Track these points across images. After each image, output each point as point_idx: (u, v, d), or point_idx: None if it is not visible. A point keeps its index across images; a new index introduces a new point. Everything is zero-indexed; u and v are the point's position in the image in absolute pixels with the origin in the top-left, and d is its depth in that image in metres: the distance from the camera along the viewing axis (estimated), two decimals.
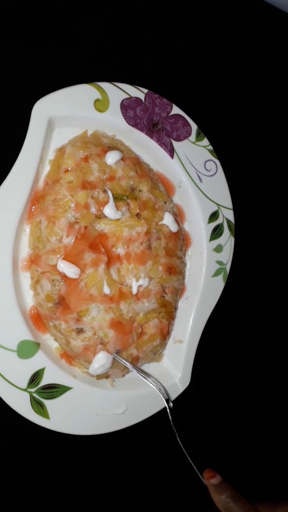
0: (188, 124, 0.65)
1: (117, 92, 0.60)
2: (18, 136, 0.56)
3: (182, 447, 0.55)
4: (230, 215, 0.67)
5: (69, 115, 0.58)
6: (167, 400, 0.59)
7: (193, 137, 0.65)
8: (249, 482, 0.71)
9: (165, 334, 0.62)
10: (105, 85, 0.60)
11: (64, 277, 0.55)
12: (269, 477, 0.73)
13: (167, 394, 0.61)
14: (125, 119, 0.61)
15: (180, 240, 0.64)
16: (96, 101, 0.59)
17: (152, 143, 0.63)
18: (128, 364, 0.58)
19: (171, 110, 0.64)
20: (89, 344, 0.56)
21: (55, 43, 0.65)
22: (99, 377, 0.58)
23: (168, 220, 0.62)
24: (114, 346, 0.57)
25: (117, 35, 0.68)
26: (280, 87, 0.80)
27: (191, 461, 0.54)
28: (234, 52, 0.76)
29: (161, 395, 0.59)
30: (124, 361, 0.58)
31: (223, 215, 0.66)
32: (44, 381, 0.55)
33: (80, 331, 0.56)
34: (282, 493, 0.70)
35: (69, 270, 0.54)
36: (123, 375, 0.61)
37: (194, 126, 0.65)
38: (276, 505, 0.47)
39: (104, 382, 0.60)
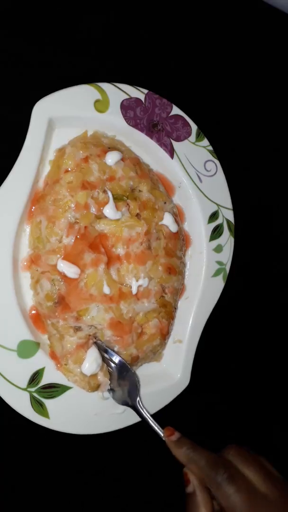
0: (188, 125, 0.65)
1: (117, 93, 0.60)
2: (18, 136, 0.56)
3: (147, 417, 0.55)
4: (230, 215, 0.67)
5: (69, 116, 0.58)
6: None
7: (193, 137, 0.65)
8: None
9: (165, 334, 0.62)
10: (105, 85, 0.60)
11: (64, 277, 0.55)
12: None
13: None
14: (125, 119, 0.61)
15: (180, 240, 0.64)
16: (96, 101, 0.59)
17: (152, 144, 0.63)
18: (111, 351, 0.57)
19: (171, 111, 0.64)
20: (84, 341, 0.56)
21: (55, 43, 0.65)
22: (91, 386, 0.57)
23: (168, 220, 0.62)
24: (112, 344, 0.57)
25: (117, 35, 0.68)
26: (280, 87, 0.80)
27: (154, 426, 0.54)
28: (234, 52, 0.76)
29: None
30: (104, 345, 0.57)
31: (223, 215, 0.66)
32: (44, 381, 0.56)
33: (78, 329, 0.57)
34: None
35: (69, 270, 0.55)
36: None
37: (194, 127, 0.65)
38: (222, 451, 0.48)
39: None
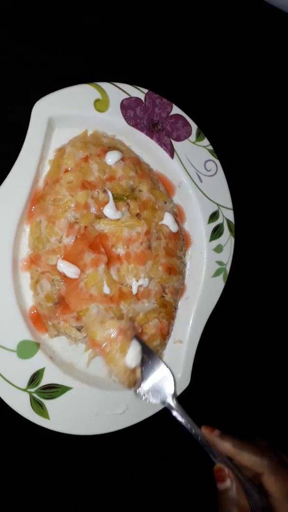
0: (188, 124, 0.65)
1: (117, 92, 0.60)
2: (18, 136, 0.56)
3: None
4: (230, 215, 0.67)
5: (69, 115, 0.58)
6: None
7: (193, 137, 0.65)
8: None
9: (165, 334, 0.62)
10: (105, 85, 0.60)
11: (64, 277, 0.55)
12: None
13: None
14: (125, 119, 0.61)
15: (180, 240, 0.64)
16: (96, 101, 0.59)
17: (152, 143, 0.63)
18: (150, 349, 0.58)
19: (171, 110, 0.64)
20: (126, 328, 0.55)
21: (55, 43, 0.65)
22: (130, 381, 0.56)
23: (168, 220, 0.62)
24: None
25: (117, 35, 0.68)
26: (280, 87, 0.80)
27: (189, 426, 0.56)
28: (234, 52, 0.76)
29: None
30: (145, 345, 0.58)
31: (223, 215, 0.66)
32: (44, 381, 0.55)
33: (80, 329, 0.56)
34: None
35: (69, 270, 0.54)
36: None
37: (194, 126, 0.65)
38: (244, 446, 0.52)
39: (104, 382, 0.60)
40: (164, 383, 0.59)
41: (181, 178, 0.64)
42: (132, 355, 0.55)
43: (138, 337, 0.57)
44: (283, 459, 0.50)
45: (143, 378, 0.58)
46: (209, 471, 0.70)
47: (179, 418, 0.56)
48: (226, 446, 0.52)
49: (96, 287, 0.55)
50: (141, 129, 0.62)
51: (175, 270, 0.62)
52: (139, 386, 0.58)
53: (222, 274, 0.66)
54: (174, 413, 0.57)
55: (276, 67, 0.79)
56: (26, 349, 0.55)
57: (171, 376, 0.59)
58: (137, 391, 0.58)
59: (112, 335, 0.55)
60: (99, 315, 0.56)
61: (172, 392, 0.59)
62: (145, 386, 0.59)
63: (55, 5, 0.65)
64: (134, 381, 0.57)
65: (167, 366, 0.60)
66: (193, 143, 0.65)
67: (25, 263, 0.58)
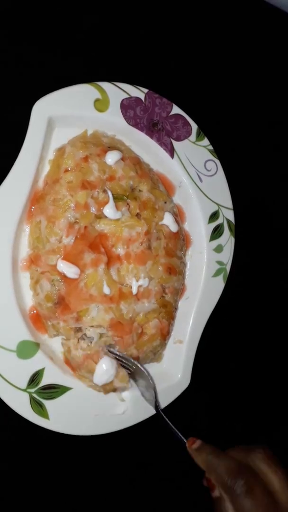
0: (188, 124, 0.65)
1: (117, 92, 0.60)
2: (18, 136, 0.56)
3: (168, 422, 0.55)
4: (230, 215, 0.67)
5: (69, 115, 0.58)
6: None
7: (193, 137, 0.65)
8: None
9: (165, 334, 0.62)
10: (105, 85, 0.60)
11: (63, 277, 0.55)
12: None
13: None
14: (125, 119, 0.61)
15: (180, 240, 0.64)
16: (96, 101, 0.59)
17: (152, 143, 0.63)
18: (129, 359, 0.57)
19: (171, 110, 0.64)
20: (90, 353, 0.56)
21: (55, 43, 0.65)
22: (106, 390, 0.57)
23: (168, 220, 0.61)
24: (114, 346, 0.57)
25: (117, 35, 0.68)
26: (280, 87, 0.80)
27: (177, 432, 0.54)
28: (234, 52, 0.76)
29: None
30: (123, 356, 0.57)
31: (223, 215, 0.66)
32: (44, 381, 0.55)
33: (78, 330, 0.56)
34: None
35: (69, 270, 0.54)
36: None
37: (194, 126, 0.65)
38: (249, 450, 0.47)
39: None
40: (147, 393, 0.59)
41: (181, 178, 0.64)
42: (98, 375, 0.55)
43: (111, 351, 0.57)
44: (262, 476, 0.44)
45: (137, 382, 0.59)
46: None
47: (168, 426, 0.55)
48: (199, 459, 0.48)
49: (96, 287, 0.55)
50: (141, 129, 0.62)
51: (175, 270, 0.62)
52: (124, 390, 0.58)
53: (222, 274, 0.66)
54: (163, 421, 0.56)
55: (276, 67, 0.79)
56: (26, 349, 0.55)
57: (151, 386, 0.58)
58: (122, 396, 0.59)
59: (79, 362, 0.56)
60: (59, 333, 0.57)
61: (154, 402, 0.58)
62: (132, 392, 0.59)
63: (55, 5, 0.65)
64: (112, 389, 0.57)
65: (149, 376, 0.58)
66: (193, 143, 0.65)
67: (25, 263, 0.58)
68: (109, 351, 0.57)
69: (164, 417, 0.56)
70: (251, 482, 0.43)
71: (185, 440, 0.52)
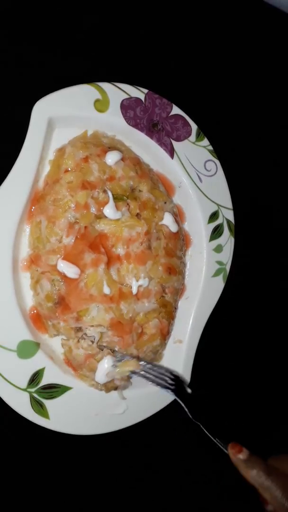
0: (188, 124, 0.65)
1: (117, 92, 0.60)
2: (18, 136, 0.56)
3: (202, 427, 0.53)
4: (230, 215, 0.67)
5: (69, 115, 0.58)
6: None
7: (193, 137, 0.65)
8: None
9: (165, 334, 0.62)
10: (105, 85, 0.60)
11: (64, 277, 0.55)
12: None
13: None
14: (125, 119, 0.61)
15: (180, 240, 0.64)
16: (96, 101, 0.59)
17: (152, 143, 0.63)
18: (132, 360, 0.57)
19: (171, 110, 0.64)
20: (92, 353, 0.56)
21: (55, 43, 0.65)
22: (108, 388, 0.57)
23: (168, 220, 0.62)
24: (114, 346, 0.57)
25: (117, 35, 0.68)
26: (280, 87, 0.80)
27: (212, 437, 0.51)
28: (234, 52, 0.76)
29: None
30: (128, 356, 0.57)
31: (223, 215, 0.66)
32: (44, 381, 0.55)
33: (79, 329, 0.56)
34: None
35: (69, 270, 0.54)
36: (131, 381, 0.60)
37: (194, 126, 0.65)
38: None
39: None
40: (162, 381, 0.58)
41: (181, 178, 0.64)
42: (99, 374, 0.55)
43: (116, 351, 0.57)
44: None
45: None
46: (210, 470, 0.70)
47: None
48: (250, 475, 0.44)
49: (96, 287, 0.56)
50: (141, 129, 0.62)
51: (175, 270, 0.62)
52: (125, 388, 0.59)
53: (222, 274, 0.66)
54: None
55: (276, 67, 0.79)
56: (26, 349, 0.55)
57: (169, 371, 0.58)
58: (122, 394, 0.59)
59: (80, 362, 0.56)
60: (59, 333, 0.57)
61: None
62: (132, 391, 0.59)
63: (55, 5, 0.65)
64: (113, 388, 0.57)
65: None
66: (193, 143, 0.65)
67: (25, 263, 0.58)
68: (112, 350, 0.57)
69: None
70: None
71: (222, 445, 0.49)
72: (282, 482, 0.43)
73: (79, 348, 0.56)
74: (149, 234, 0.59)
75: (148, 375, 0.56)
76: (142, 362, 0.57)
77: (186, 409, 0.55)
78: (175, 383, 0.56)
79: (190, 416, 0.54)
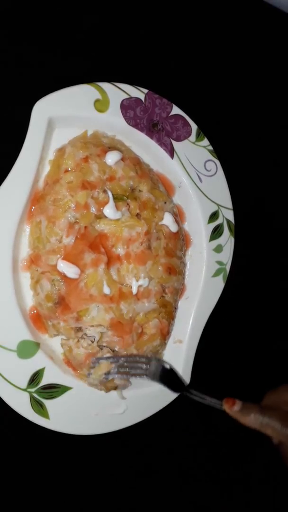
0: (188, 124, 0.65)
1: (117, 92, 0.60)
2: (18, 136, 0.56)
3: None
4: (230, 215, 0.67)
5: (69, 115, 0.58)
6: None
7: (193, 137, 0.65)
8: (249, 485, 0.71)
9: (165, 334, 0.62)
10: (105, 85, 0.60)
11: (64, 277, 0.55)
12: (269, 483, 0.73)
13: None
14: (125, 119, 0.61)
15: (180, 240, 0.64)
16: (96, 101, 0.59)
17: (152, 143, 0.63)
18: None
19: (171, 110, 0.64)
20: (92, 352, 0.56)
21: (55, 43, 0.65)
22: (107, 388, 0.57)
23: (168, 220, 0.62)
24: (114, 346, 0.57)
25: (117, 35, 0.68)
26: (280, 87, 0.80)
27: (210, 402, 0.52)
28: (234, 52, 0.76)
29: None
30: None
31: (223, 215, 0.66)
32: (44, 381, 0.55)
33: (79, 329, 0.56)
34: None
35: (69, 270, 0.54)
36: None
37: (194, 126, 0.65)
38: (282, 390, 0.48)
39: None
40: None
41: (181, 178, 0.64)
42: (101, 372, 0.56)
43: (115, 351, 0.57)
44: None
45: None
46: (210, 470, 0.70)
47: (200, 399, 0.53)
48: (248, 420, 0.47)
49: (96, 287, 0.56)
50: (141, 129, 0.62)
51: (175, 270, 0.62)
52: (124, 388, 0.58)
53: (222, 274, 0.66)
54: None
55: (276, 67, 0.79)
56: (26, 349, 0.55)
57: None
58: (122, 394, 0.59)
59: (81, 360, 0.56)
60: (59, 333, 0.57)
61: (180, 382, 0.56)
62: (132, 391, 0.59)
63: (55, 5, 0.65)
64: (113, 387, 0.57)
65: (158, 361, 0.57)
66: (193, 143, 0.65)
67: (25, 263, 0.58)
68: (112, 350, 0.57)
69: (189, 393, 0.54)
70: None
71: (220, 404, 0.50)
72: (278, 415, 0.46)
73: (80, 347, 0.56)
74: (149, 234, 0.59)
75: (123, 370, 0.55)
76: (115, 359, 0.56)
77: (165, 387, 0.55)
78: (149, 366, 0.56)
79: (171, 391, 0.55)
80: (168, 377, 0.56)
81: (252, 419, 0.47)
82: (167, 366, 0.56)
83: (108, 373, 0.56)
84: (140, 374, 0.55)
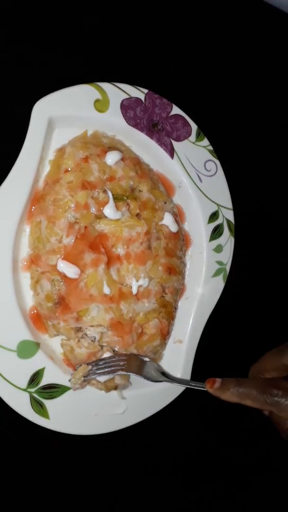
0: (188, 124, 0.65)
1: (117, 92, 0.60)
2: (18, 136, 0.56)
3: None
4: (230, 215, 0.67)
5: (69, 115, 0.58)
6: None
7: (193, 137, 0.65)
8: (248, 486, 0.71)
9: (165, 334, 0.62)
10: (105, 85, 0.60)
11: (64, 277, 0.55)
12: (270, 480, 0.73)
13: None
14: (125, 119, 0.61)
15: (180, 240, 0.64)
16: (96, 101, 0.59)
17: (152, 143, 0.63)
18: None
19: (171, 110, 0.64)
20: (94, 351, 0.56)
21: (55, 43, 0.65)
22: (108, 388, 0.57)
23: (168, 220, 0.62)
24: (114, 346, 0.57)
25: (117, 35, 0.68)
26: (280, 87, 0.80)
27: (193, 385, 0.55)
28: (234, 52, 0.76)
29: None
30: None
31: (223, 215, 0.66)
32: (44, 381, 0.56)
33: (79, 329, 0.56)
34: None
35: (69, 270, 0.54)
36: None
37: (194, 126, 0.65)
38: (283, 351, 0.49)
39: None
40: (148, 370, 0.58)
41: (181, 178, 0.64)
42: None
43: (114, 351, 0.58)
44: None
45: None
46: (210, 470, 0.70)
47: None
48: (228, 396, 0.47)
49: (96, 287, 0.56)
50: (141, 129, 0.62)
51: (175, 270, 0.62)
52: (125, 388, 0.59)
53: (222, 274, 0.66)
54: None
55: (276, 67, 0.79)
56: (26, 349, 0.55)
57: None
58: (122, 394, 0.59)
59: (82, 360, 0.57)
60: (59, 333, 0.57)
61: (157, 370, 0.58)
62: (132, 391, 0.60)
63: (55, 5, 0.65)
64: (113, 387, 0.58)
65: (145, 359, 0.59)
66: (193, 143, 0.65)
67: (25, 263, 0.58)
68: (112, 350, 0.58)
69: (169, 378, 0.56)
70: (285, 384, 0.45)
71: (202, 386, 0.52)
72: (255, 384, 0.46)
73: (81, 347, 0.56)
74: (149, 234, 0.59)
75: (100, 371, 0.56)
76: (91, 363, 0.57)
77: (145, 379, 0.57)
78: (127, 361, 0.57)
79: (151, 381, 0.57)
80: (147, 369, 0.58)
81: (231, 393, 0.47)
82: (146, 360, 0.58)
83: (86, 376, 0.56)
84: (119, 369, 0.56)
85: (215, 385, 0.49)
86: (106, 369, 0.56)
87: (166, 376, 0.58)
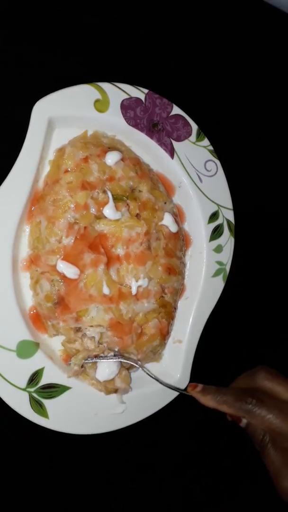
0: (189, 124, 0.65)
1: (117, 92, 0.60)
2: (18, 136, 0.56)
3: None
4: (230, 215, 0.67)
5: (69, 115, 0.58)
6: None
7: (193, 137, 0.65)
8: (249, 495, 0.71)
9: (164, 334, 0.62)
10: (105, 85, 0.60)
11: (63, 277, 0.55)
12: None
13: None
14: (125, 119, 0.61)
15: (180, 240, 0.64)
16: (96, 101, 0.59)
17: (152, 144, 0.63)
18: (136, 363, 0.58)
19: (171, 110, 0.64)
20: (96, 352, 0.57)
21: (55, 43, 0.65)
22: (108, 391, 0.57)
23: (168, 221, 0.62)
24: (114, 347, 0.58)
25: (117, 35, 0.68)
26: (280, 87, 0.80)
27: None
28: (234, 52, 0.76)
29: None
30: (128, 361, 0.58)
31: (223, 215, 0.66)
32: (44, 381, 0.56)
33: (78, 329, 0.57)
34: None
35: (69, 270, 0.54)
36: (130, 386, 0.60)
37: (194, 126, 0.65)
38: (250, 375, 0.51)
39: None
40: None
41: (181, 178, 0.64)
42: (100, 370, 0.56)
43: (115, 352, 0.58)
44: (270, 391, 0.48)
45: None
46: (210, 470, 0.70)
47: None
48: (206, 400, 0.50)
49: (95, 288, 0.56)
50: (141, 129, 0.62)
51: (175, 270, 0.62)
52: (125, 392, 0.59)
53: (222, 274, 0.66)
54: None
55: (276, 67, 0.79)
56: (25, 349, 0.55)
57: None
58: (122, 398, 0.59)
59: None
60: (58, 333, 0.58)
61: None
62: (132, 391, 0.60)
63: (55, 5, 0.65)
64: (114, 389, 0.58)
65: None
66: (193, 143, 0.65)
67: (25, 263, 0.58)
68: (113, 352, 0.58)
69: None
70: (259, 395, 0.47)
71: (183, 390, 0.56)
72: (231, 392, 0.49)
73: (84, 347, 0.57)
74: (148, 234, 0.59)
75: (101, 357, 0.58)
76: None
77: (144, 371, 0.59)
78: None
79: (150, 374, 0.59)
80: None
81: (209, 399, 0.50)
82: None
83: (87, 359, 0.57)
84: (120, 356, 0.58)
85: (197, 388, 0.52)
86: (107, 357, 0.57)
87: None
